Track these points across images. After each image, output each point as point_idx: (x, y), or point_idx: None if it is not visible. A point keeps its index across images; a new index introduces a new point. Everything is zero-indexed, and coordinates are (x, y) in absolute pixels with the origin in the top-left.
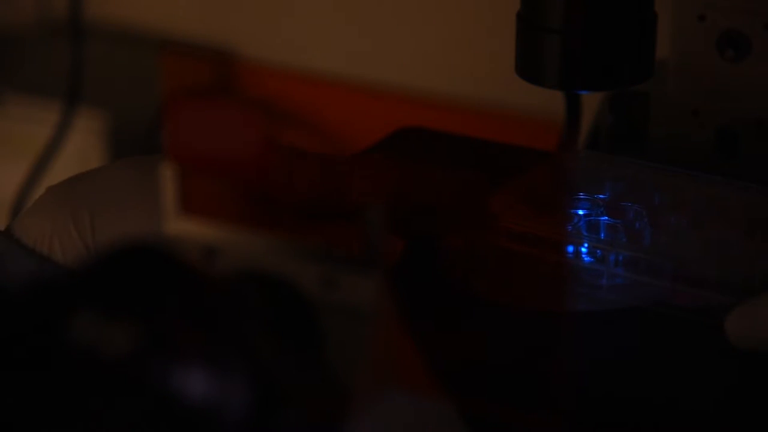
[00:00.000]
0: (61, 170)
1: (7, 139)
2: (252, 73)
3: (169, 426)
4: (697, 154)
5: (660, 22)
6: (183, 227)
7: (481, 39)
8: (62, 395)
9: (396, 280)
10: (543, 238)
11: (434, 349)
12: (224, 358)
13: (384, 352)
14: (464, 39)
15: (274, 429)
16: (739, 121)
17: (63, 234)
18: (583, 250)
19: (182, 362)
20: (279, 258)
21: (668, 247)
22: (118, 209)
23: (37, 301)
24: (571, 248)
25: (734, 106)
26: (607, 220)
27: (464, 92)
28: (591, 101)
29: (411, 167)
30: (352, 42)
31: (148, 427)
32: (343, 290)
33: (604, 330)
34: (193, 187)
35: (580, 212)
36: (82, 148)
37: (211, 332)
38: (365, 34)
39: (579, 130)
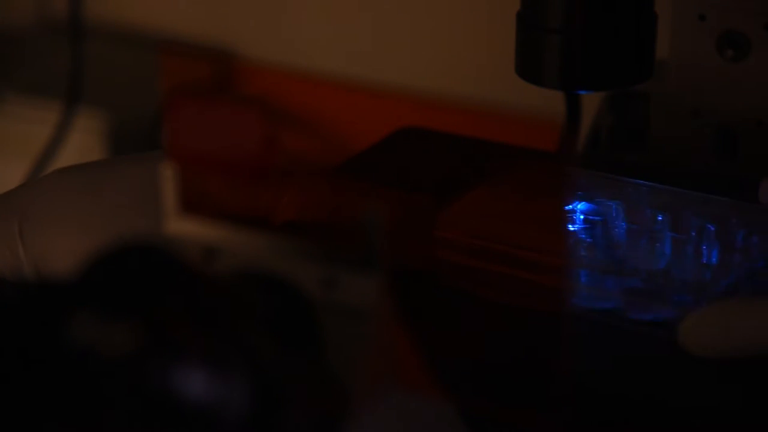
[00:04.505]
0: None
1: (7, 139)
2: (252, 73)
3: (168, 426)
4: (697, 154)
5: (660, 22)
6: (183, 227)
7: (481, 39)
8: (61, 396)
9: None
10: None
11: (434, 349)
12: (224, 358)
13: (384, 352)
14: (464, 39)
15: (274, 429)
16: (739, 121)
17: None
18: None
19: (182, 362)
20: (279, 258)
21: (624, 259)
22: (48, 221)
23: (36, 301)
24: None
25: (734, 106)
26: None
27: (464, 92)
28: (591, 101)
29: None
30: (352, 42)
31: (148, 427)
32: (343, 290)
33: (601, 331)
34: (193, 187)
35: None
36: (82, 148)
37: (211, 332)
38: (365, 34)
39: (579, 130)
